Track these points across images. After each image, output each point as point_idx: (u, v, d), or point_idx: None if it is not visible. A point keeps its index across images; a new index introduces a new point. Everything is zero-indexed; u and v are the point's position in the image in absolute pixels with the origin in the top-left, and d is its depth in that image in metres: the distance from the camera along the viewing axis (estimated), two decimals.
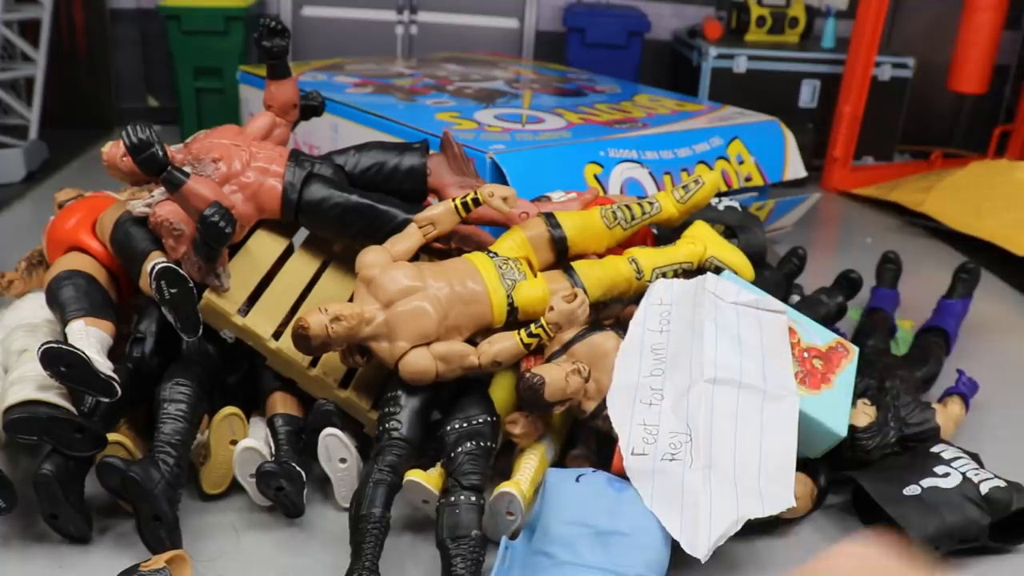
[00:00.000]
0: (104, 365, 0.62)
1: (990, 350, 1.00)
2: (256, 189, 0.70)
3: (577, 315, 0.65)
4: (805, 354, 0.66)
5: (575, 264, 0.72)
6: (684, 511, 0.58)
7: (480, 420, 0.65)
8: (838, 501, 0.72)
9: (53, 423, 0.60)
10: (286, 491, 0.63)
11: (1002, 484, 0.66)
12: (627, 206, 0.75)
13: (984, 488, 0.65)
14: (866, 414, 0.71)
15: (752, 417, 0.63)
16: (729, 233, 0.87)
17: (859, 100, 1.56)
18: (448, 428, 0.65)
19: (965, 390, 0.80)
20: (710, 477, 0.59)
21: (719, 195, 0.95)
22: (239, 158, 0.70)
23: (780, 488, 0.61)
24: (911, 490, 0.66)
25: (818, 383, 0.65)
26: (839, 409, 0.68)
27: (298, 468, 0.64)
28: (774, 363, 0.66)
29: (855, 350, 0.72)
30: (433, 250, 0.75)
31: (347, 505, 0.65)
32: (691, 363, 0.65)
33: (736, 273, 0.75)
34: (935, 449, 0.70)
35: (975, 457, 0.70)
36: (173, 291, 0.63)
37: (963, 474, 0.66)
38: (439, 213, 0.70)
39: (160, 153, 0.63)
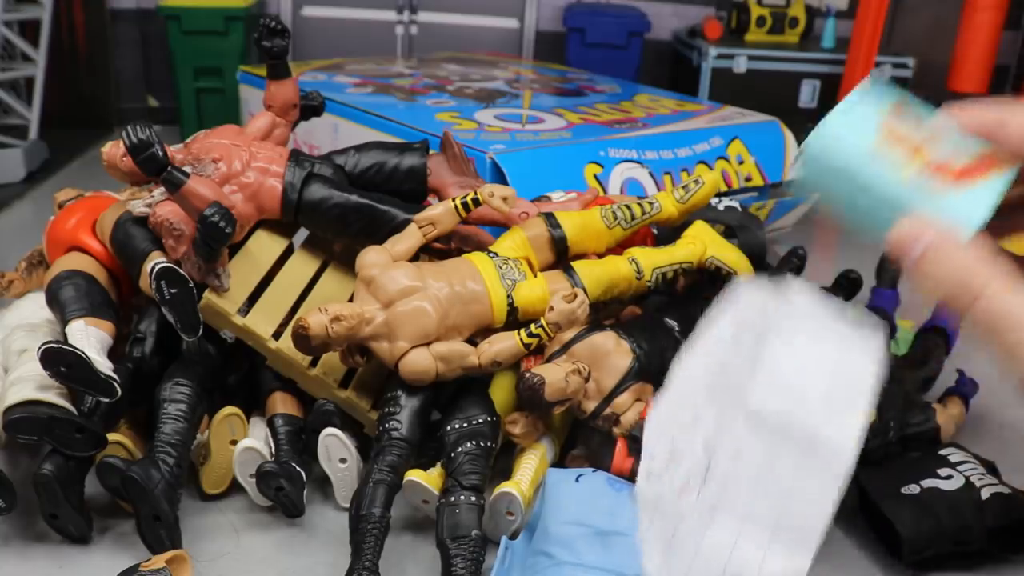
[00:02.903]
0: (104, 365, 0.62)
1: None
2: (256, 189, 0.70)
3: (577, 315, 0.65)
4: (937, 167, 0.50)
5: (575, 264, 0.72)
6: (671, 549, 0.54)
7: (480, 420, 0.65)
8: (839, 500, 0.72)
9: (53, 423, 0.60)
10: (286, 491, 0.63)
11: (1006, 491, 0.65)
12: (627, 206, 0.75)
13: (985, 493, 0.65)
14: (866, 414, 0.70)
15: (785, 468, 0.54)
16: (729, 233, 0.87)
17: None
18: (448, 428, 0.65)
19: (965, 390, 0.80)
20: (712, 520, 0.54)
21: (719, 195, 0.95)
22: (239, 158, 0.70)
23: (791, 557, 0.53)
24: (910, 489, 0.66)
25: (950, 180, 0.49)
26: (974, 206, 0.48)
27: (298, 468, 0.64)
28: (841, 403, 0.54)
29: (1011, 165, 0.50)
30: (433, 250, 0.75)
31: (347, 505, 0.65)
32: (739, 389, 0.56)
33: (736, 273, 0.75)
34: (943, 452, 0.70)
35: (989, 464, 0.68)
36: (173, 291, 0.63)
37: (966, 478, 0.66)
38: (439, 213, 0.70)
39: (160, 153, 0.63)
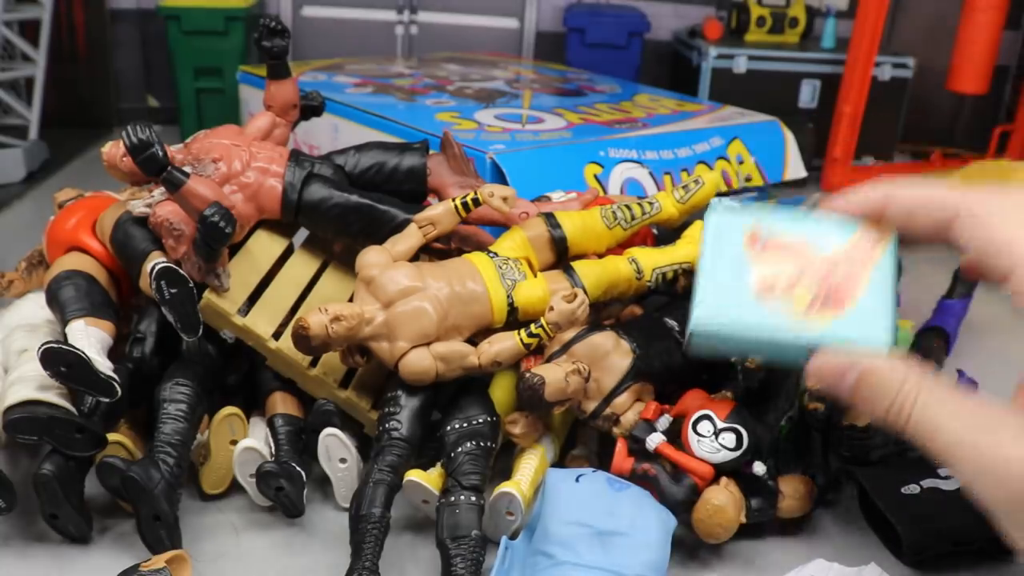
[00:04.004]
0: (104, 365, 0.62)
1: (990, 350, 1.00)
2: (256, 189, 0.70)
3: (577, 315, 0.65)
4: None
5: (575, 264, 0.72)
6: None
7: (480, 420, 0.65)
8: (839, 500, 0.72)
9: (53, 423, 0.60)
10: (286, 491, 0.63)
11: None
12: (627, 206, 0.75)
13: None
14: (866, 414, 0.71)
15: None
16: None
17: (859, 100, 1.56)
18: (448, 428, 0.65)
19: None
20: None
21: (719, 195, 0.95)
22: (239, 158, 0.70)
23: None
24: (910, 489, 0.66)
25: (841, 300, 0.50)
26: (876, 317, 0.50)
27: (298, 468, 0.64)
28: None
29: (889, 235, 0.52)
30: (433, 250, 0.75)
31: (347, 505, 0.65)
32: None
33: None
34: None
35: None
36: (173, 291, 0.63)
37: None
38: (439, 213, 0.70)
39: (160, 153, 0.63)
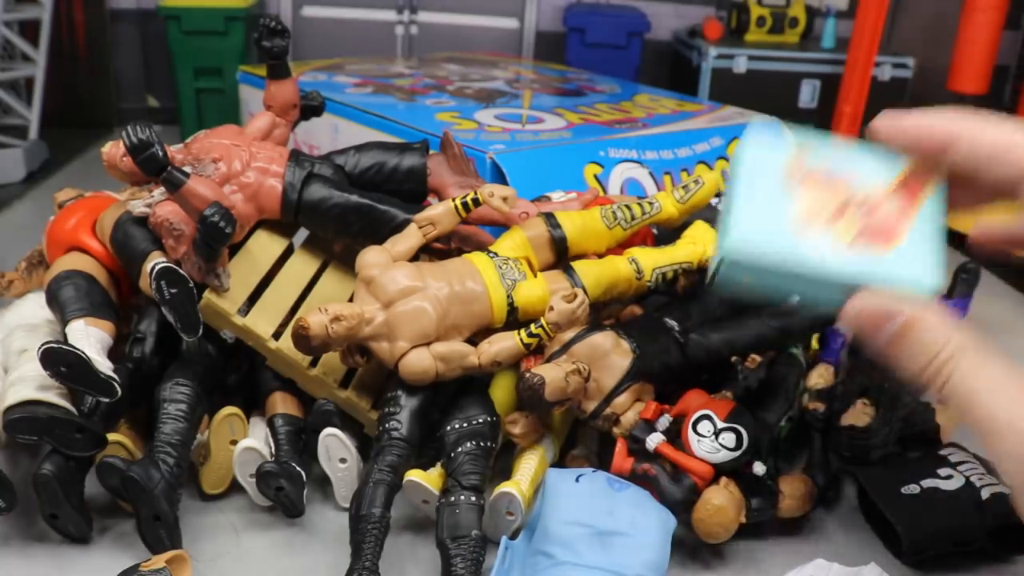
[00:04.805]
0: (104, 365, 0.62)
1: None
2: (256, 189, 0.70)
3: (577, 315, 0.65)
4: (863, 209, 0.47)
5: (575, 264, 0.72)
6: None
7: (480, 420, 0.65)
8: (840, 500, 0.72)
9: (53, 423, 0.60)
10: (286, 491, 0.63)
11: (1005, 491, 0.65)
12: (627, 206, 0.75)
13: (985, 493, 0.64)
14: (866, 414, 0.71)
15: None
16: None
17: (859, 100, 1.56)
18: (448, 428, 0.65)
19: None
20: None
21: (719, 195, 0.95)
22: (239, 158, 0.70)
23: None
24: (909, 489, 0.66)
25: (887, 237, 0.46)
26: (923, 257, 0.46)
27: (298, 468, 0.64)
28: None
29: (939, 177, 0.47)
30: (433, 250, 0.75)
31: (347, 505, 0.65)
32: None
33: None
34: (943, 452, 0.70)
35: (989, 464, 0.68)
36: (173, 291, 0.63)
37: (966, 478, 0.66)
38: (439, 213, 0.70)
39: (160, 153, 0.63)
